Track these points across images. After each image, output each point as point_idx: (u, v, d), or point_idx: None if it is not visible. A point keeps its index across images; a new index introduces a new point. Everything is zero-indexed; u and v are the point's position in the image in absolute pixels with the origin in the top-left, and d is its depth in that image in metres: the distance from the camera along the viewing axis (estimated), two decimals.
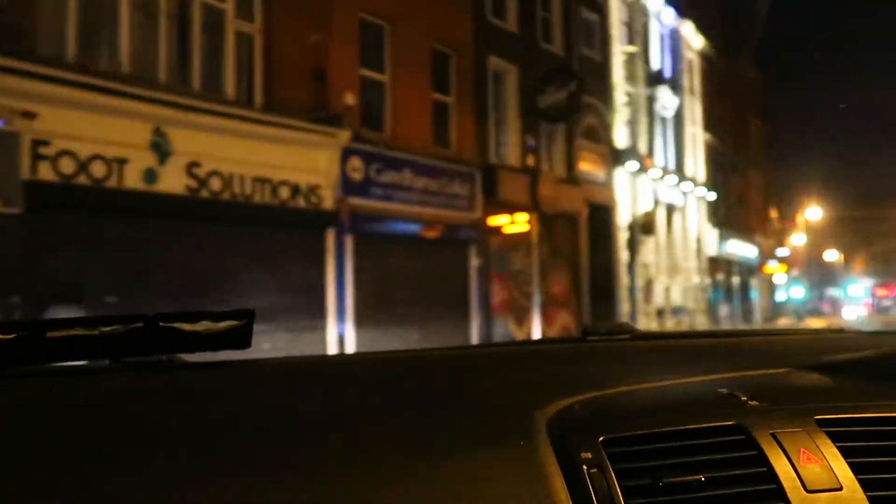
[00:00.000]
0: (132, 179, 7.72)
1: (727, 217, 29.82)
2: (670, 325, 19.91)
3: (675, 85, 22.97)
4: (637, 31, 19.59)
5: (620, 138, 17.75)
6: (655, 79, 21.35)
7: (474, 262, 12.64)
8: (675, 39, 24.04)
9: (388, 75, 11.16)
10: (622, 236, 17.60)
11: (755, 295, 35.66)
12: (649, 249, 19.26)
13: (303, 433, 0.74)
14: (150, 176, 7.90)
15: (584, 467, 0.70)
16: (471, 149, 12.71)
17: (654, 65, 21.58)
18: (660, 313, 19.03)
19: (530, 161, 14.18)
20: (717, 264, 27.00)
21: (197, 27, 8.90)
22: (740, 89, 36.28)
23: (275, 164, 9.15)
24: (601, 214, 16.75)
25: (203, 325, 0.86)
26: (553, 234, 15.11)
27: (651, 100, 20.88)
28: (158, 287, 7.76)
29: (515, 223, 13.03)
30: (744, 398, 0.86)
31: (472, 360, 1.29)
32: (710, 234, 25.96)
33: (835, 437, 0.79)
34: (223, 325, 0.87)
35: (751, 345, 1.55)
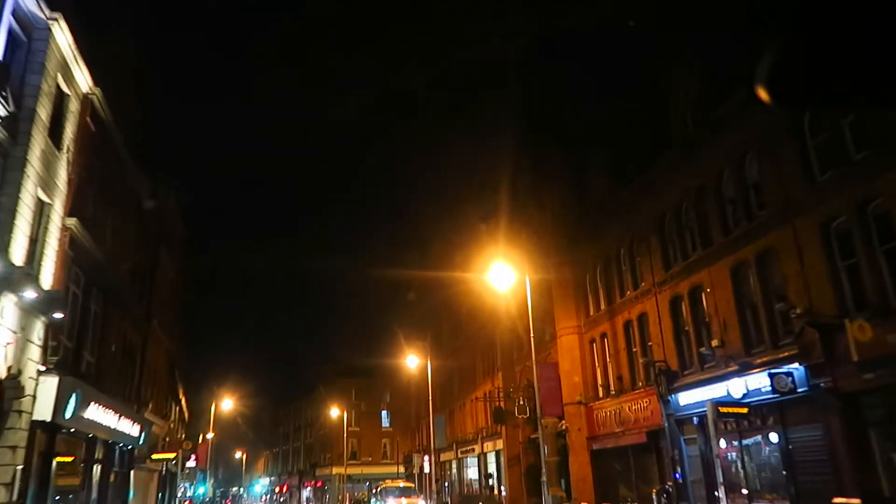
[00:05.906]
0: None
1: (98, 366, 19.04)
2: None
3: (16, 103, 12.54)
4: None
5: None
6: None
7: None
8: (35, 38, 14.06)
9: None
10: None
11: (133, 496, 24.51)
12: None
13: None
14: None
15: None
16: None
17: None
18: None
19: None
20: (54, 439, 15.34)
21: None
22: (159, 213, 27.66)
23: None
24: None
25: None
26: None
27: None
28: None
29: None
30: None
31: None
32: (49, 382, 14.63)
33: None
34: None
35: None
